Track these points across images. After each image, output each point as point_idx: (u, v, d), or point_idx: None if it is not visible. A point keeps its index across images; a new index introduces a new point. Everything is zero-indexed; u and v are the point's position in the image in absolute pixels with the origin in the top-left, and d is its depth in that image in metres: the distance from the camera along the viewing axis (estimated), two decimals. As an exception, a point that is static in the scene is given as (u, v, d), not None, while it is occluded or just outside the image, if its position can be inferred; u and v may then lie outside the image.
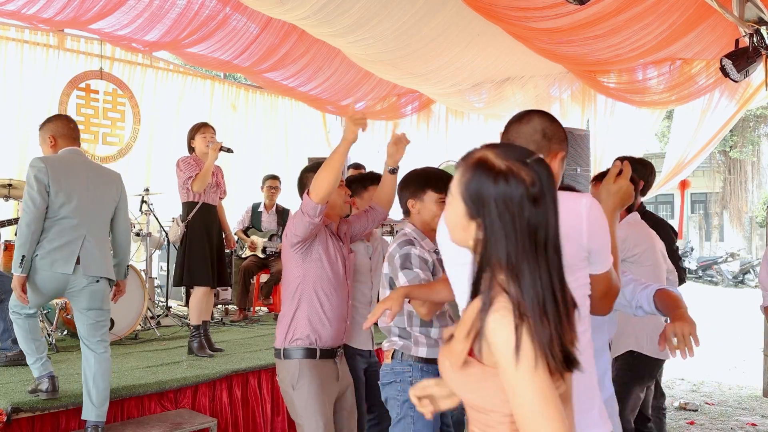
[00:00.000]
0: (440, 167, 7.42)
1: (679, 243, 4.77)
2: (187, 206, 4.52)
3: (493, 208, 1.14)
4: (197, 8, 5.67)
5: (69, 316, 4.51)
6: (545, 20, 4.70)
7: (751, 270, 16.05)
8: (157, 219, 5.91)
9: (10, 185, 4.56)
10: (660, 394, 3.74)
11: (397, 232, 4.72)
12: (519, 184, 1.14)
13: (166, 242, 6.15)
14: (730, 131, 14.25)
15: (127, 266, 3.50)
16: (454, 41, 5.80)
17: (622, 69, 6.27)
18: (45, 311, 4.62)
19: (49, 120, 3.40)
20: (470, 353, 1.18)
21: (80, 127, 6.50)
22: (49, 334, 4.47)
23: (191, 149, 4.61)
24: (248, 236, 6.52)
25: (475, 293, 1.21)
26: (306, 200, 2.56)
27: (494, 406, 1.18)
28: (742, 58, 4.51)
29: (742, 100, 6.06)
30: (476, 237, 1.18)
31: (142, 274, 5.43)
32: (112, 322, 4.70)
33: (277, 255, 6.31)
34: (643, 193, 3.53)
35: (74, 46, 6.56)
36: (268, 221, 6.60)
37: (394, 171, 2.99)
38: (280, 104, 8.60)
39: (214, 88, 7.90)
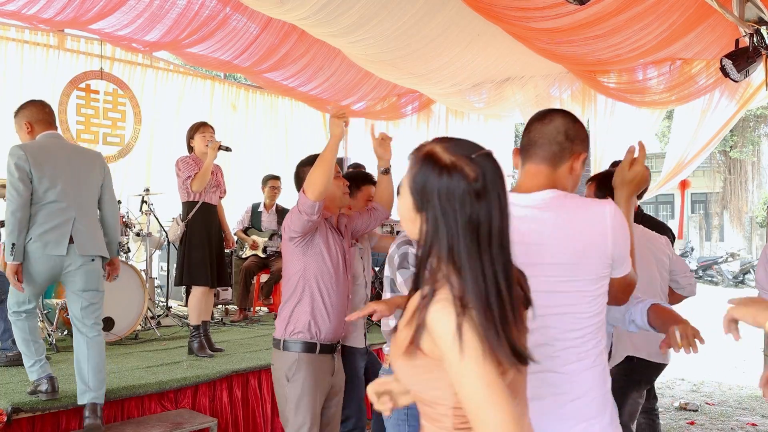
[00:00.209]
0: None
1: (680, 243, 4.77)
2: (187, 206, 4.52)
3: (436, 201, 1.15)
4: (197, 8, 5.67)
5: (69, 316, 4.51)
6: (545, 20, 4.69)
7: (751, 270, 16.04)
8: (157, 219, 5.91)
9: (10, 185, 4.56)
10: (652, 397, 3.70)
11: (397, 232, 4.72)
12: (462, 178, 1.14)
13: (166, 242, 6.15)
14: (731, 131, 14.25)
15: (119, 243, 3.53)
16: (454, 41, 5.80)
17: (622, 69, 6.26)
18: (45, 311, 4.63)
19: (23, 107, 3.40)
20: (416, 346, 1.18)
21: (80, 127, 6.58)
22: (49, 334, 4.47)
23: (190, 149, 4.61)
24: (248, 236, 6.52)
25: (417, 285, 1.21)
26: (302, 198, 2.56)
27: (438, 399, 1.19)
28: (742, 58, 4.50)
29: (742, 100, 6.05)
30: (420, 229, 1.19)
31: (143, 274, 5.42)
32: (112, 322, 4.73)
33: (278, 254, 6.31)
34: (640, 196, 3.53)
35: (74, 47, 6.56)
36: (269, 221, 6.60)
37: (387, 171, 3.02)
38: (280, 104, 8.60)
39: (214, 88, 7.90)
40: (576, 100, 7.00)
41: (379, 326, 2.86)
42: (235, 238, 6.23)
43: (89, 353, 3.12)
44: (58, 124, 3.68)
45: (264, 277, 6.41)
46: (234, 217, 6.50)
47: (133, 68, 7.05)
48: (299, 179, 2.82)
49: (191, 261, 4.45)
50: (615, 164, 2.32)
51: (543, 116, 1.73)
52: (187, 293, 4.99)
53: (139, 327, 5.08)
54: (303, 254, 2.67)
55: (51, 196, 3.13)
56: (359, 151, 8.26)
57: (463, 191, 1.14)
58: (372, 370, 3.21)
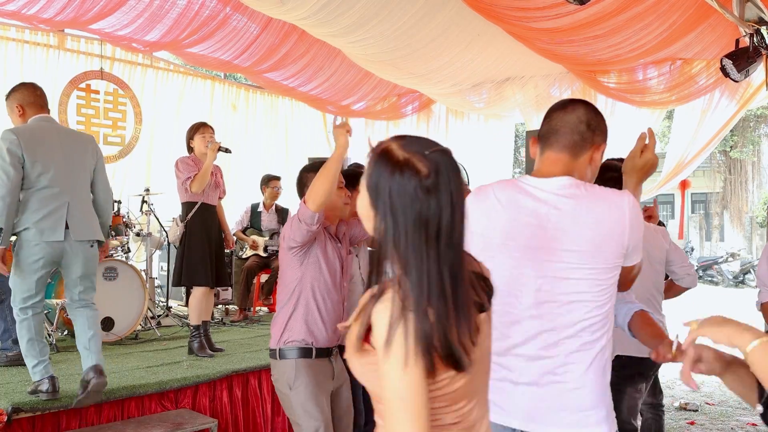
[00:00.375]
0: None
1: (680, 243, 4.76)
2: (186, 206, 4.52)
3: (387, 198, 1.14)
4: (197, 8, 5.68)
5: (69, 316, 4.51)
6: (545, 20, 4.69)
7: (751, 270, 16.03)
8: (157, 219, 5.91)
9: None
10: (658, 392, 3.69)
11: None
12: (413, 175, 1.13)
13: (166, 242, 6.15)
14: (731, 131, 14.25)
15: (109, 225, 3.58)
16: (454, 41, 5.80)
17: (623, 69, 6.26)
18: (45, 311, 4.62)
19: (14, 89, 3.39)
20: (365, 343, 1.18)
21: (81, 127, 6.58)
22: (49, 334, 4.47)
23: (190, 149, 4.61)
24: (247, 236, 6.52)
25: (370, 283, 1.21)
26: (303, 208, 2.55)
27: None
28: (742, 58, 4.51)
29: (743, 100, 6.05)
30: (374, 226, 1.18)
31: (143, 274, 5.42)
32: (113, 322, 4.73)
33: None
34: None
35: (74, 47, 6.56)
36: (269, 220, 6.59)
37: None
38: (280, 104, 8.60)
39: (214, 88, 7.90)
40: (576, 100, 6.99)
41: None
42: (234, 238, 6.22)
43: (89, 323, 3.25)
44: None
45: (264, 277, 6.41)
46: (233, 217, 6.50)
47: (133, 68, 7.05)
48: (302, 185, 2.81)
49: (191, 261, 4.45)
50: (617, 159, 2.34)
51: (565, 105, 1.73)
52: (187, 293, 4.99)
53: (139, 327, 5.08)
54: (300, 264, 2.66)
55: (44, 181, 3.13)
56: (359, 151, 8.26)
57: (413, 188, 1.12)
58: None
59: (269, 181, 6.62)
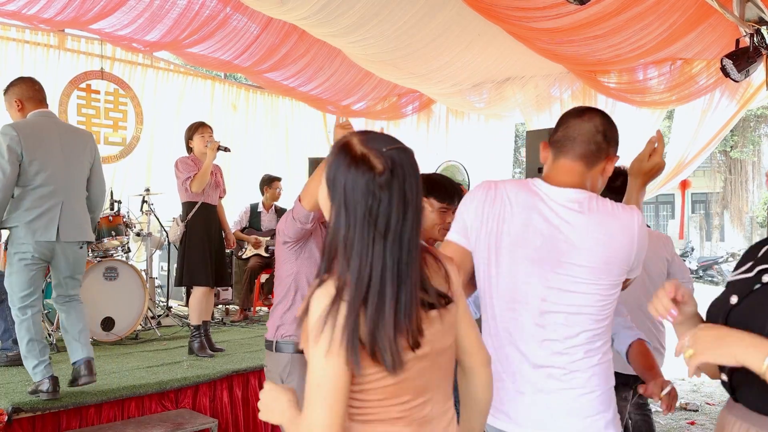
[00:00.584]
0: (441, 167, 7.45)
1: (680, 243, 4.76)
2: (187, 206, 4.52)
3: (341, 191, 1.16)
4: (198, 8, 5.68)
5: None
6: (546, 20, 4.69)
7: (751, 270, 16.00)
8: (158, 219, 5.91)
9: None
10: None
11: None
12: (367, 171, 1.15)
13: (166, 242, 6.15)
14: (731, 131, 14.25)
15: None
16: (454, 41, 5.80)
17: (623, 69, 6.26)
18: (45, 311, 4.63)
19: (12, 84, 3.37)
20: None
21: (81, 127, 6.58)
22: (49, 334, 4.47)
23: (189, 149, 4.61)
24: (248, 236, 6.52)
25: (319, 272, 1.23)
26: (298, 207, 2.54)
27: None
28: (742, 58, 4.50)
29: (743, 100, 6.05)
30: (329, 218, 1.20)
31: (143, 274, 5.43)
32: (113, 322, 4.73)
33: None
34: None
35: (75, 46, 6.56)
36: (269, 220, 6.59)
37: None
38: (280, 104, 8.60)
39: (214, 88, 7.90)
40: (576, 100, 6.99)
41: None
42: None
43: (79, 316, 3.27)
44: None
45: (264, 277, 6.41)
46: (232, 217, 6.50)
47: (134, 68, 7.05)
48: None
49: (191, 261, 4.45)
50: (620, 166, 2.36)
51: (582, 113, 1.71)
52: (188, 293, 4.99)
53: (139, 327, 5.08)
54: (296, 258, 2.66)
55: (40, 180, 3.13)
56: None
57: (366, 183, 1.14)
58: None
59: (271, 182, 6.61)
